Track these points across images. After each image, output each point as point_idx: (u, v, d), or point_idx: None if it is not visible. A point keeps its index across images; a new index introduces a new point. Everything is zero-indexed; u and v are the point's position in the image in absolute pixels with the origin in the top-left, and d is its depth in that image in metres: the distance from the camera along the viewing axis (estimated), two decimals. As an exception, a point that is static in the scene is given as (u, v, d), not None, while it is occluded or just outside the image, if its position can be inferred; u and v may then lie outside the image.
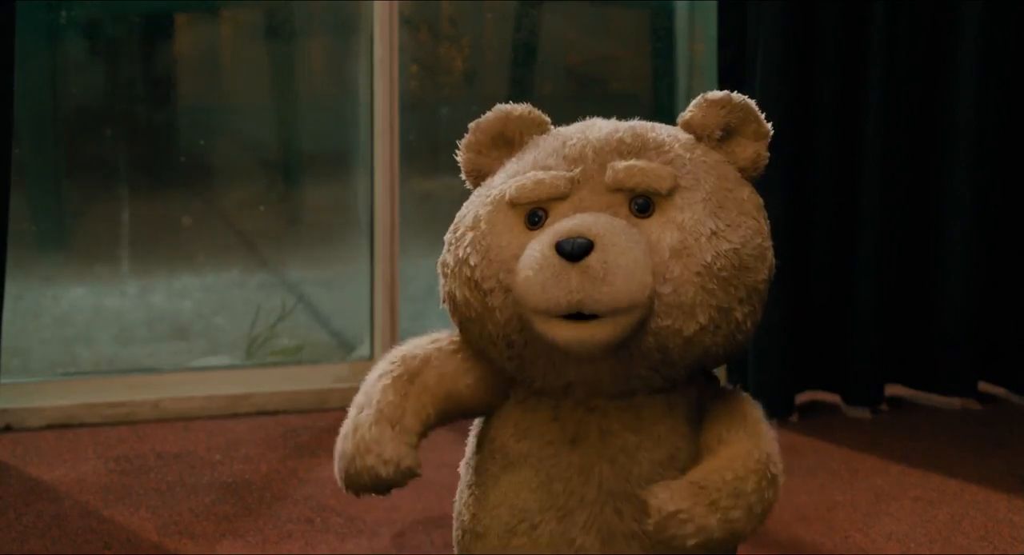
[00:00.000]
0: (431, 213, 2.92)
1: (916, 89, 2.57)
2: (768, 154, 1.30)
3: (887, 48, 2.48)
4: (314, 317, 2.90)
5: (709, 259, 1.20)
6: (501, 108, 1.33)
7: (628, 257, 1.16)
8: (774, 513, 2.01)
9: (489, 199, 1.27)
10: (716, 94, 1.30)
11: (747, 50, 2.52)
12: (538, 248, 1.17)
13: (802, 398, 2.61)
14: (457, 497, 1.37)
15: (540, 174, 1.25)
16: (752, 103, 1.30)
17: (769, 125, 1.30)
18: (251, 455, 2.30)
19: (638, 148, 1.26)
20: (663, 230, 1.20)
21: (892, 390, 2.66)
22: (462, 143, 1.34)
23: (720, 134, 1.30)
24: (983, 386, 2.68)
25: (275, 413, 2.57)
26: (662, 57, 3.06)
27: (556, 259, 1.15)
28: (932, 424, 2.52)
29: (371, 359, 2.71)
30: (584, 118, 1.37)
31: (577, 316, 1.16)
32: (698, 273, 1.19)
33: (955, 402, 2.64)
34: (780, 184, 2.51)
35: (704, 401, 1.30)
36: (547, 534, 1.24)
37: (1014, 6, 2.57)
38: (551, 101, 3.07)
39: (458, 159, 1.34)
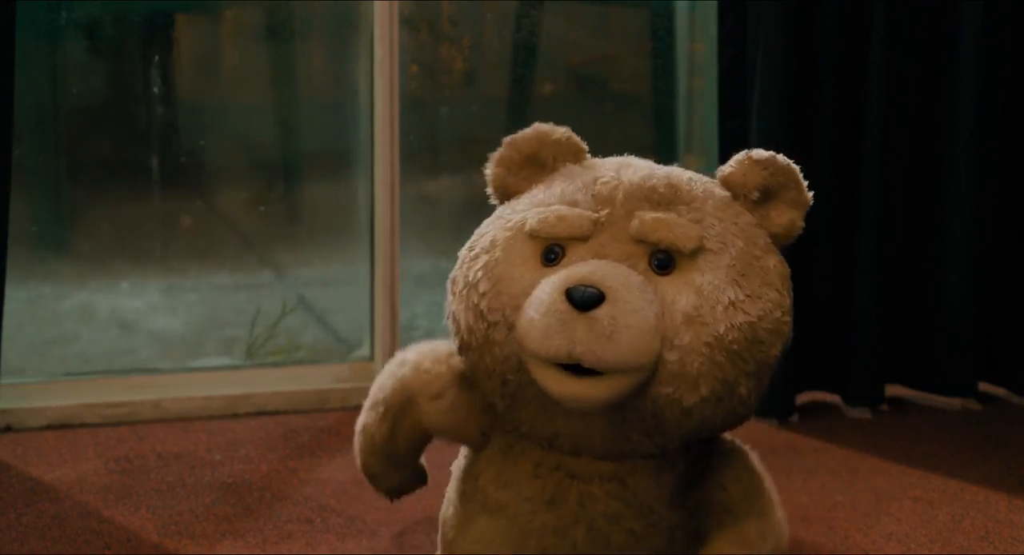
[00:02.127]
0: (431, 213, 2.92)
1: (916, 89, 2.57)
2: (803, 224, 1.27)
3: (887, 48, 2.48)
4: (314, 317, 2.90)
5: (722, 330, 1.16)
6: (540, 128, 1.30)
7: (638, 317, 1.12)
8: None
9: (510, 224, 1.24)
10: (761, 154, 1.26)
11: (747, 50, 2.52)
12: (548, 291, 1.14)
13: (802, 398, 2.61)
14: (445, 502, 1.36)
15: (564, 210, 1.21)
16: (795, 168, 1.26)
17: (811, 195, 1.26)
18: (251, 455, 2.30)
19: (670, 199, 1.22)
20: (679, 292, 1.16)
21: (892, 390, 2.66)
22: (493, 157, 1.30)
23: (757, 196, 1.26)
24: (983, 386, 2.68)
25: (275, 413, 2.57)
26: (662, 57, 3.06)
27: (564, 305, 1.12)
28: (932, 424, 2.52)
29: (371, 359, 2.71)
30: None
31: (576, 367, 1.12)
32: (708, 343, 1.16)
33: (955, 402, 2.64)
34: (780, 184, 2.51)
35: (700, 461, 1.27)
36: None
37: (1014, 6, 2.57)
38: (551, 101, 3.08)
39: (486, 173, 1.31)
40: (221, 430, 2.45)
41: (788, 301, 1.25)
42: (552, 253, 1.20)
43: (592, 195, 1.23)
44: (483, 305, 1.20)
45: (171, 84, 2.83)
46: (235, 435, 2.42)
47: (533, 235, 1.21)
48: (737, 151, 2.77)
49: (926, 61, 2.56)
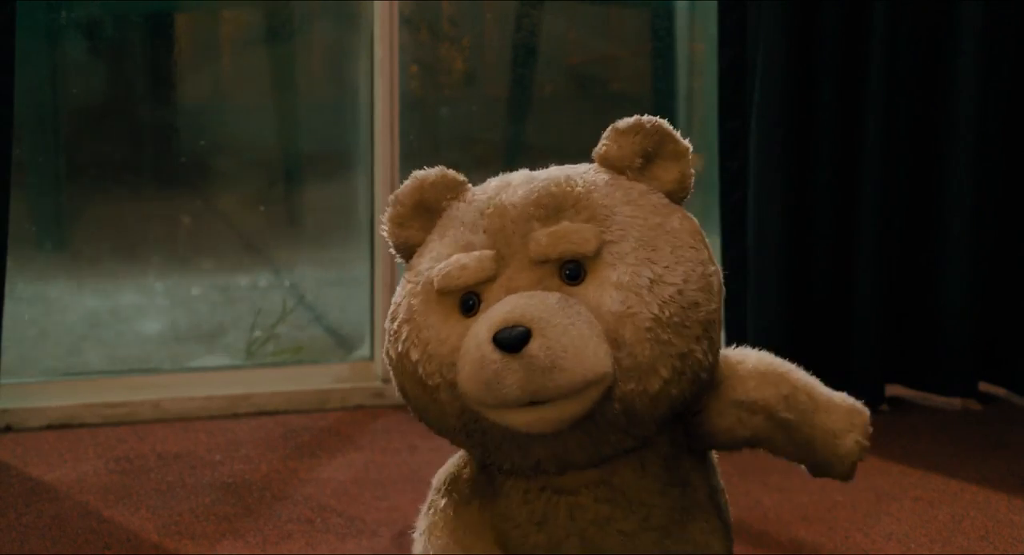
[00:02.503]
0: (431, 213, 2.91)
1: (916, 89, 2.57)
2: (693, 172, 1.26)
3: (887, 48, 2.48)
4: (314, 317, 2.90)
5: (656, 310, 1.16)
6: (416, 176, 1.30)
7: (572, 336, 1.12)
8: (774, 513, 2.01)
9: (419, 287, 1.24)
10: (626, 122, 1.25)
11: (747, 50, 2.52)
12: (474, 343, 1.14)
13: (802, 398, 2.61)
14: None
15: (464, 258, 1.21)
16: (665, 123, 1.25)
17: (687, 142, 1.26)
18: (251, 455, 2.30)
19: (556, 207, 1.21)
20: (601, 294, 1.16)
21: (892, 390, 2.66)
22: (384, 218, 1.31)
23: (640, 162, 1.25)
24: (983, 386, 2.68)
25: (275, 413, 2.56)
26: (662, 57, 3.06)
27: (496, 354, 1.11)
28: (932, 424, 2.52)
29: (371, 359, 2.71)
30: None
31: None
32: (649, 329, 1.15)
33: (955, 402, 2.64)
34: (780, 184, 2.51)
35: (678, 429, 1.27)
36: None
37: (1014, 6, 2.57)
38: (551, 101, 3.07)
39: (384, 235, 1.31)
40: (221, 430, 2.45)
41: (707, 253, 1.23)
42: (469, 301, 1.20)
43: (483, 231, 1.22)
44: (420, 372, 1.21)
45: (171, 84, 2.83)
46: (235, 435, 2.42)
47: (443, 292, 1.21)
48: (737, 151, 2.78)
49: (926, 61, 2.56)
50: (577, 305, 1.15)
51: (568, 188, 1.23)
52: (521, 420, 1.13)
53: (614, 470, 1.22)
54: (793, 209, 2.52)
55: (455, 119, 3.03)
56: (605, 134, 1.27)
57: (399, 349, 1.23)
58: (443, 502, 1.28)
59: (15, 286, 2.56)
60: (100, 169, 2.78)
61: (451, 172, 1.30)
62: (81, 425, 2.47)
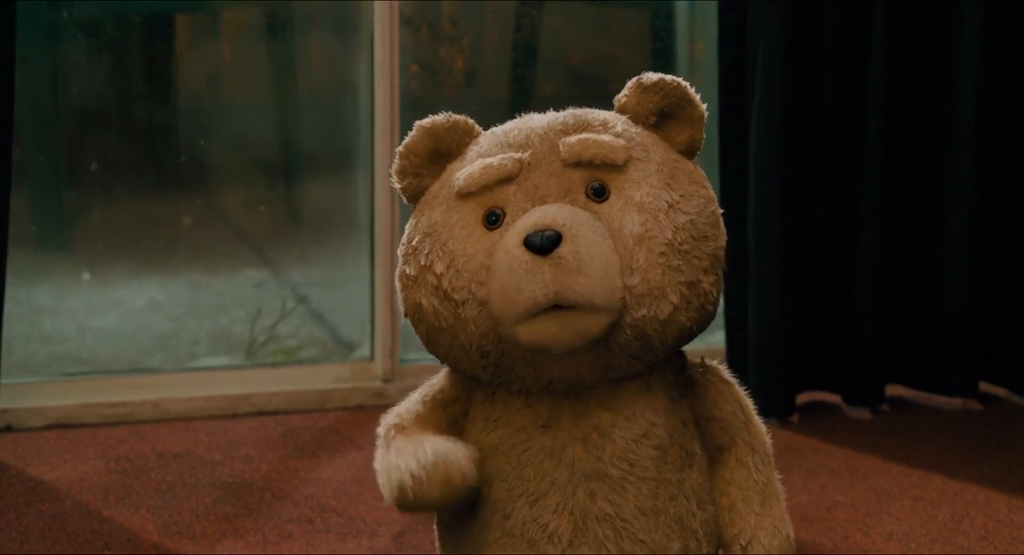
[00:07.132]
0: (431, 213, 2.91)
1: (916, 89, 2.57)
2: (703, 137, 1.29)
3: (887, 48, 2.48)
4: (314, 317, 2.90)
5: (670, 236, 1.19)
6: (422, 124, 1.28)
7: (599, 249, 1.14)
8: (774, 513, 2.01)
9: (438, 200, 1.24)
10: (650, 77, 1.28)
11: (747, 50, 2.52)
12: (506, 249, 1.14)
13: (802, 398, 2.61)
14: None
15: (488, 159, 1.22)
16: (686, 85, 1.27)
17: (704, 107, 1.28)
18: (251, 455, 2.30)
19: (582, 126, 1.24)
20: (624, 214, 1.18)
21: (892, 390, 2.66)
22: (394, 170, 1.29)
23: (655, 119, 1.28)
24: (983, 386, 2.68)
25: (275, 413, 2.57)
26: (662, 57, 3.06)
27: (527, 256, 1.12)
28: (932, 424, 2.52)
29: (371, 359, 2.71)
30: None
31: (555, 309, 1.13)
32: (662, 254, 1.18)
33: (955, 402, 2.64)
34: (780, 184, 2.50)
35: (685, 378, 1.30)
36: (519, 522, 1.22)
37: (1014, 6, 2.57)
38: (551, 101, 3.06)
39: (396, 187, 1.29)
40: (221, 430, 2.45)
41: (714, 195, 1.27)
42: (493, 215, 1.20)
43: (508, 145, 1.23)
44: (445, 285, 1.20)
45: (171, 84, 2.83)
46: (235, 435, 2.42)
47: (464, 195, 1.21)
48: (737, 151, 2.78)
49: (926, 61, 2.56)
50: (602, 227, 1.17)
51: (592, 115, 1.27)
52: (544, 330, 1.13)
53: (620, 386, 1.24)
54: (793, 209, 2.52)
55: (455, 119, 3.02)
56: (628, 85, 1.30)
57: (421, 262, 1.22)
58: (407, 407, 1.29)
59: (16, 286, 2.56)
60: (100, 169, 2.78)
61: (459, 116, 1.30)
62: (81, 425, 2.47)
